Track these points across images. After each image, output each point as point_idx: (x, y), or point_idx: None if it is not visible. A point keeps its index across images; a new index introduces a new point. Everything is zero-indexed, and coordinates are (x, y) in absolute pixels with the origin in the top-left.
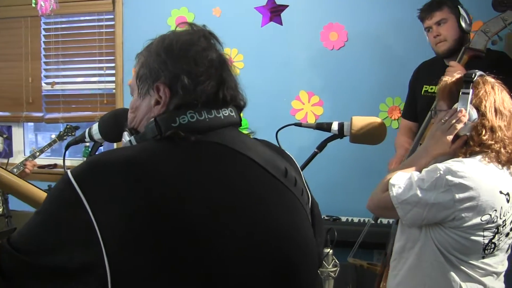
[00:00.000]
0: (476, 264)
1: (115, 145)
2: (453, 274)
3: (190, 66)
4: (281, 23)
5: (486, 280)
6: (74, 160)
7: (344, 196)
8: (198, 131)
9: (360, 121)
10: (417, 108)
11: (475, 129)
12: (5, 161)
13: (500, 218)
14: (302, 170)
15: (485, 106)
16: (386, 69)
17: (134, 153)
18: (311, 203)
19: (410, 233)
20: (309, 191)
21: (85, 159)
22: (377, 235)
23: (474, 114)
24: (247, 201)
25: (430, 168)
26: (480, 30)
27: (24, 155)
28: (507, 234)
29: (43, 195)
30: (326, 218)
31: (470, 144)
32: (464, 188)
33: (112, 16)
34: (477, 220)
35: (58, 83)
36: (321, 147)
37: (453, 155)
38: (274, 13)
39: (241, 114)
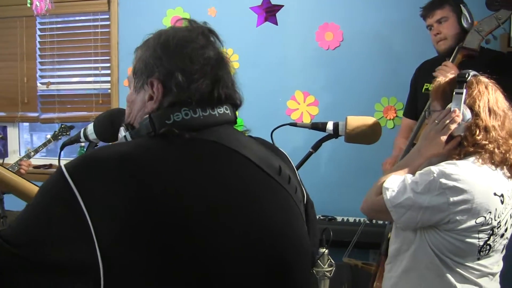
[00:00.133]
0: (472, 266)
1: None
2: (448, 276)
3: (184, 64)
4: (276, 23)
5: (482, 281)
6: (69, 160)
7: (339, 196)
8: (193, 128)
9: (355, 121)
10: (417, 106)
11: (469, 129)
12: (0, 161)
13: (495, 220)
14: (297, 170)
15: (478, 106)
16: (382, 69)
17: (128, 149)
18: (306, 202)
19: (405, 236)
20: (304, 189)
21: None
22: (372, 235)
23: (468, 114)
24: (242, 199)
25: (423, 171)
26: (473, 29)
27: (19, 155)
28: (502, 235)
29: None
30: (321, 218)
31: (464, 144)
32: (458, 191)
33: (107, 16)
34: (471, 222)
35: (53, 83)
36: (316, 147)
37: (447, 156)
38: (269, 13)
39: (237, 113)
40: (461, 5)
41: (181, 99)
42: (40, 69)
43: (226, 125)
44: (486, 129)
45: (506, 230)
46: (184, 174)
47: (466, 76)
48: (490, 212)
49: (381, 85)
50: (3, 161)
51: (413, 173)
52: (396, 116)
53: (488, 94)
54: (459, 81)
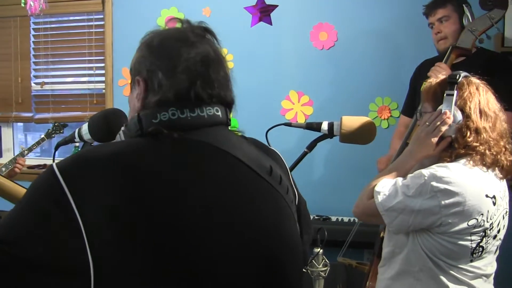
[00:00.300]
0: (465, 268)
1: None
2: (442, 278)
3: (165, 62)
4: (270, 23)
5: (475, 282)
6: None
7: (334, 196)
8: (181, 128)
9: (350, 121)
10: (416, 105)
11: (460, 131)
12: None
13: (487, 222)
14: (291, 170)
15: (469, 108)
16: (376, 69)
17: (119, 149)
18: (298, 201)
19: (397, 239)
20: (296, 189)
21: None
22: (367, 235)
23: (459, 116)
24: (233, 200)
25: (414, 174)
26: (467, 29)
27: (14, 155)
28: (495, 237)
29: None
30: (316, 217)
31: (455, 146)
32: (450, 193)
33: (101, 16)
34: (463, 225)
35: (47, 83)
36: (311, 147)
37: (438, 158)
38: (264, 13)
39: (232, 113)
40: (463, 5)
41: (165, 98)
42: (34, 69)
43: (215, 127)
44: (477, 131)
45: (498, 231)
46: (173, 174)
47: (457, 77)
48: (482, 214)
49: (375, 85)
50: None
51: (405, 176)
52: (391, 116)
53: (479, 95)
54: (450, 83)
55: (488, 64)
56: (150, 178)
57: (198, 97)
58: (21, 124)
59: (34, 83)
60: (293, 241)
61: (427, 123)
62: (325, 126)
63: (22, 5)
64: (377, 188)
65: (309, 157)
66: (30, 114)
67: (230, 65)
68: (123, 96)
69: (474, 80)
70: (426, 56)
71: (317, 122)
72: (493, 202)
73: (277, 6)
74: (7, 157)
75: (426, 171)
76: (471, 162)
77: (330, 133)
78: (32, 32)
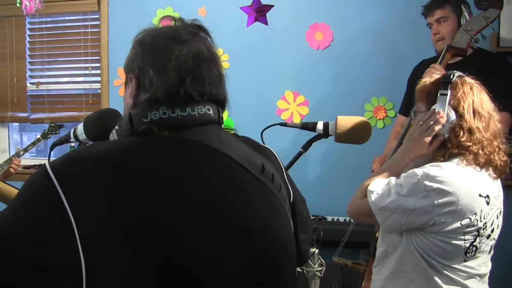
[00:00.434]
0: (459, 268)
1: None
2: (435, 278)
3: (155, 60)
4: (266, 23)
5: (469, 282)
6: None
7: (330, 196)
8: (172, 127)
9: (345, 121)
10: (413, 105)
11: (453, 130)
12: None
13: (481, 221)
14: (287, 170)
15: (463, 107)
16: (372, 69)
17: (110, 148)
18: (295, 200)
19: (391, 239)
20: (290, 187)
21: None
22: (362, 235)
23: (452, 116)
24: (224, 199)
25: (408, 174)
26: (462, 28)
27: (9, 155)
28: (488, 236)
29: None
30: (311, 217)
31: (448, 146)
32: (443, 193)
33: (97, 16)
34: (457, 224)
35: (43, 83)
36: (306, 146)
37: (431, 157)
38: (260, 13)
39: (226, 112)
40: (462, 5)
41: (156, 96)
42: (30, 69)
43: (207, 125)
44: (470, 131)
45: (492, 231)
46: (164, 173)
47: (451, 77)
48: (475, 214)
49: (371, 85)
50: None
51: (398, 175)
52: (386, 116)
53: (473, 95)
54: (444, 82)
55: (485, 64)
56: (141, 178)
57: (188, 95)
58: (17, 124)
59: (30, 83)
60: (286, 240)
61: (421, 123)
62: (320, 126)
63: (18, 5)
64: (370, 188)
65: (304, 157)
66: (25, 114)
67: (226, 65)
68: (119, 96)
69: (468, 80)
70: (422, 56)
71: (313, 122)
72: (486, 201)
73: (273, 6)
74: (2, 157)
75: (419, 171)
76: (464, 161)
77: (325, 133)
78: (28, 32)
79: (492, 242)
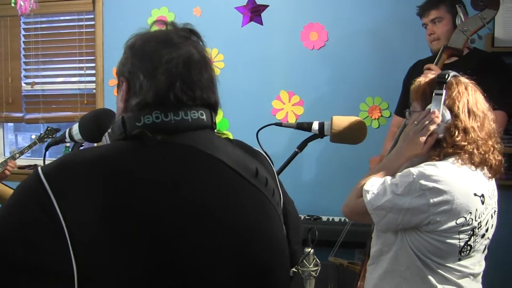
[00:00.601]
0: (453, 267)
1: (95, 146)
2: (429, 277)
3: (145, 64)
4: (261, 23)
5: (463, 282)
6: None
7: (325, 196)
8: (165, 132)
9: (340, 121)
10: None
11: (448, 130)
12: None
13: (476, 220)
14: (282, 170)
15: (458, 107)
16: (367, 69)
17: (102, 153)
18: (284, 202)
19: (385, 238)
20: (281, 190)
21: None
22: (358, 235)
23: (447, 115)
24: (217, 203)
25: (403, 173)
26: (458, 29)
27: (4, 155)
28: (483, 235)
29: None
30: (307, 217)
31: (443, 145)
32: (438, 192)
33: (92, 16)
34: (452, 223)
35: (38, 83)
36: (302, 147)
37: (426, 156)
38: (255, 13)
39: (222, 112)
40: (457, 6)
41: (145, 100)
42: (25, 69)
43: (200, 130)
44: (465, 130)
45: (487, 230)
46: (157, 178)
47: (446, 77)
48: (470, 213)
49: (366, 85)
50: None
51: (393, 175)
52: (381, 115)
53: (468, 95)
54: (439, 82)
55: (480, 64)
56: (133, 182)
57: (178, 99)
58: (11, 124)
59: (25, 83)
60: (280, 244)
61: (416, 122)
62: (315, 126)
63: (12, 4)
64: (365, 187)
65: (299, 157)
66: (20, 114)
67: (221, 65)
68: (114, 96)
69: (463, 79)
70: (418, 56)
71: (308, 122)
72: (481, 200)
73: (268, 6)
74: None
75: (414, 170)
76: (460, 161)
77: (320, 133)
78: (23, 32)
79: (486, 242)
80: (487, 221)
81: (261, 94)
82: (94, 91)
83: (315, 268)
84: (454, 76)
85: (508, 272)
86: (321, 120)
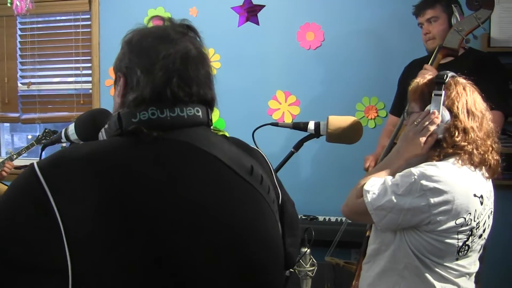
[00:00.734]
0: (451, 266)
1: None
2: (427, 276)
3: (143, 59)
4: (257, 23)
5: (460, 281)
6: None
7: (321, 196)
8: (160, 128)
9: (336, 121)
10: (404, 104)
11: (448, 130)
12: None
13: (474, 221)
14: (278, 170)
15: (457, 108)
16: (363, 69)
17: (98, 148)
18: (284, 202)
19: (384, 236)
20: (279, 189)
21: None
22: (354, 234)
23: (447, 116)
24: (211, 200)
25: (404, 173)
26: (453, 29)
27: (0, 155)
28: (480, 236)
29: None
30: (303, 217)
31: (443, 146)
32: (439, 192)
33: (88, 16)
34: (451, 223)
35: (34, 83)
36: (298, 146)
37: (426, 157)
38: (251, 13)
39: (218, 112)
40: (452, 5)
41: (142, 95)
42: (21, 69)
43: (196, 127)
44: (465, 131)
45: (484, 230)
46: (152, 173)
47: (445, 78)
48: (470, 213)
49: (362, 84)
50: None
51: (393, 175)
52: (377, 115)
53: (466, 95)
54: (438, 83)
55: (476, 64)
56: (129, 178)
57: (174, 95)
58: (8, 124)
59: (21, 83)
60: (274, 242)
61: (415, 123)
62: (311, 125)
63: (8, 4)
64: (366, 187)
65: (295, 157)
66: (16, 115)
67: (217, 65)
68: (110, 96)
69: (461, 80)
70: (413, 56)
71: (304, 122)
72: (480, 201)
73: (264, 6)
74: None
75: (415, 170)
76: (460, 161)
77: (316, 133)
78: (19, 32)
79: (482, 242)
80: (485, 221)
81: (258, 94)
82: (91, 91)
83: (311, 268)
84: (452, 76)
85: (506, 271)
86: (317, 120)
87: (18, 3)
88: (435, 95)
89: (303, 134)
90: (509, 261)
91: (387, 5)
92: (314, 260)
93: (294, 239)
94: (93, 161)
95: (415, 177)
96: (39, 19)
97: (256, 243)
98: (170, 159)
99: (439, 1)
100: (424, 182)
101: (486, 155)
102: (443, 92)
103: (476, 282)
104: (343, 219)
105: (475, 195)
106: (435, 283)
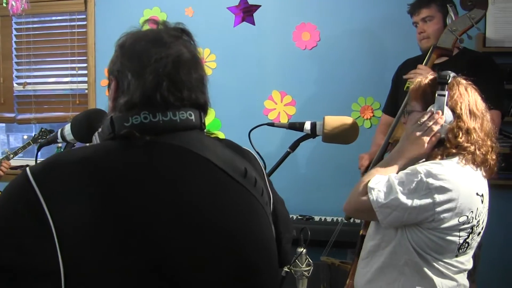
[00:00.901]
0: (450, 262)
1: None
2: (427, 271)
3: (135, 63)
4: (253, 23)
5: (458, 277)
6: None
7: (317, 196)
8: (153, 132)
9: (332, 121)
10: (398, 104)
11: (452, 131)
12: None
13: (475, 219)
14: (274, 170)
15: (460, 108)
16: (359, 69)
17: (90, 153)
18: (274, 201)
19: (385, 233)
20: (270, 189)
21: None
22: (350, 234)
23: (450, 116)
24: (205, 202)
25: (410, 171)
26: (447, 29)
27: None
28: (479, 233)
29: None
30: (299, 217)
31: (446, 146)
32: (444, 190)
33: (84, 16)
34: (454, 221)
35: (29, 83)
36: (294, 146)
37: (428, 156)
38: (247, 13)
39: (214, 112)
40: (447, 5)
41: (133, 99)
42: (17, 69)
43: (189, 131)
44: (468, 131)
45: (482, 228)
46: (144, 177)
47: (447, 78)
48: (472, 211)
49: (358, 84)
50: None
51: (396, 173)
52: (373, 115)
53: (468, 96)
54: (441, 83)
55: (470, 64)
56: (120, 181)
57: (164, 99)
58: (3, 124)
59: (16, 83)
60: (269, 243)
61: (419, 123)
62: (307, 126)
63: (4, 4)
64: (370, 185)
65: (292, 157)
66: (12, 115)
67: (213, 65)
68: (106, 97)
69: (462, 80)
70: (409, 55)
71: (300, 122)
72: (481, 200)
73: (260, 6)
74: None
75: (421, 168)
76: (463, 161)
77: (312, 133)
78: (14, 32)
79: (479, 239)
80: (483, 220)
81: (253, 94)
82: (86, 91)
83: (307, 268)
84: (454, 77)
85: (502, 271)
86: (313, 120)
87: (13, 3)
88: (438, 95)
89: (299, 134)
90: (505, 260)
91: (383, 6)
92: (310, 260)
93: (289, 235)
94: (86, 165)
95: (422, 175)
96: (35, 19)
97: (251, 245)
98: (164, 162)
99: (435, 0)
100: (430, 180)
101: (487, 156)
102: (446, 93)
103: (472, 281)
104: (339, 219)
105: (477, 194)
106: (435, 278)
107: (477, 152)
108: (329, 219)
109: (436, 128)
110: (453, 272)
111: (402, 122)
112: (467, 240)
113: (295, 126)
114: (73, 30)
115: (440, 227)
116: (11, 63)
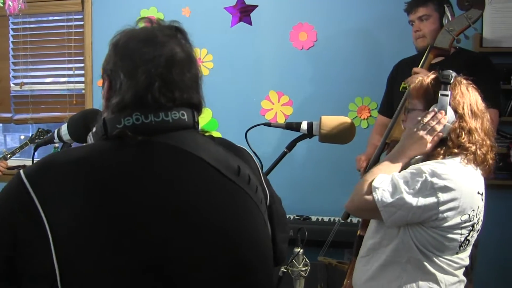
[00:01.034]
0: (452, 259)
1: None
2: (430, 268)
3: (127, 63)
4: (250, 23)
5: (458, 273)
6: None
7: (314, 196)
8: (145, 132)
9: (329, 121)
10: (393, 104)
11: (454, 131)
12: None
13: (476, 217)
14: (271, 170)
15: (462, 108)
16: (356, 69)
17: (83, 153)
18: (270, 200)
19: (387, 231)
20: (268, 188)
21: None
22: (347, 234)
23: (453, 116)
24: (197, 202)
25: (414, 171)
26: (444, 29)
27: None
28: (478, 230)
29: None
30: (296, 217)
31: (448, 145)
32: (448, 189)
33: (81, 16)
34: (457, 220)
35: (26, 83)
36: (291, 146)
37: (430, 155)
38: (244, 13)
39: (211, 112)
40: (445, 5)
41: (124, 99)
42: (13, 70)
43: (182, 130)
44: (470, 131)
45: (481, 226)
46: (137, 177)
47: (450, 78)
48: (473, 210)
49: (355, 85)
50: None
51: (398, 172)
52: (370, 115)
53: (470, 96)
54: (444, 83)
55: (467, 64)
56: (114, 182)
57: (156, 100)
58: (0, 124)
59: (13, 83)
60: (263, 242)
61: (422, 122)
62: (304, 126)
63: (1, 5)
64: (375, 184)
65: (288, 157)
66: (9, 115)
67: (210, 65)
68: None
69: (463, 80)
70: (406, 56)
71: (297, 122)
72: (481, 198)
73: (257, 6)
74: None
75: (425, 168)
76: (465, 160)
77: (309, 133)
78: (11, 32)
79: (476, 236)
80: (482, 217)
81: (250, 94)
82: (83, 91)
83: (304, 268)
84: (455, 76)
85: (498, 270)
86: (310, 120)
87: (10, 3)
88: (441, 95)
89: (296, 134)
90: (501, 259)
91: (380, 6)
92: (307, 260)
93: (284, 235)
94: (79, 166)
95: (426, 175)
96: (32, 19)
97: (246, 244)
98: (157, 161)
99: None
100: (435, 179)
101: (487, 155)
102: (449, 92)
103: (469, 281)
104: (336, 219)
105: (478, 193)
106: (437, 274)
107: (478, 152)
108: (326, 219)
109: (439, 128)
110: (454, 268)
111: (402, 120)
112: (468, 238)
113: (292, 126)
114: (70, 30)
115: (443, 226)
116: (8, 63)
